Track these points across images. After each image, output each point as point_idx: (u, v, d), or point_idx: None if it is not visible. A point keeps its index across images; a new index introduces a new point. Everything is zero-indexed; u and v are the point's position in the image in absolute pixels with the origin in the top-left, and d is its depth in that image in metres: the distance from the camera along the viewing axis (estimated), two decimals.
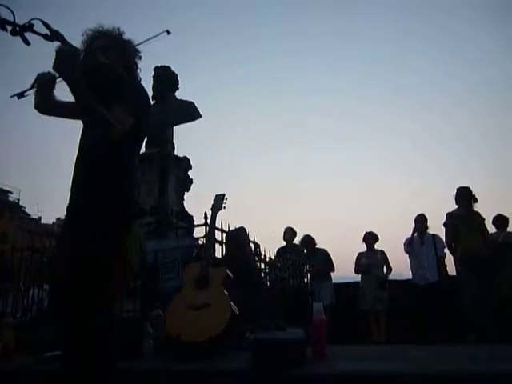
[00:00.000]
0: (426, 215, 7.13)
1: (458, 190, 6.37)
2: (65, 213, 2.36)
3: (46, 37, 2.16)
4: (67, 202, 2.37)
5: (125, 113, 2.28)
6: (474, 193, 6.37)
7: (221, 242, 4.96)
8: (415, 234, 7.06)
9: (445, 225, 6.41)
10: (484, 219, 6.32)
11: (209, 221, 4.42)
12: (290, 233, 7.50)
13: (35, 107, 2.45)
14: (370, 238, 7.37)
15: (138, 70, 2.70)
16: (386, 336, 6.97)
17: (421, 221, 7.06)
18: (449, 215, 6.39)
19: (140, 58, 2.69)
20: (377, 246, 7.44)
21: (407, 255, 7.12)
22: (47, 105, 2.46)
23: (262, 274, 5.70)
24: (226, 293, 3.75)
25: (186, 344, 3.45)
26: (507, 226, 6.72)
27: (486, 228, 6.33)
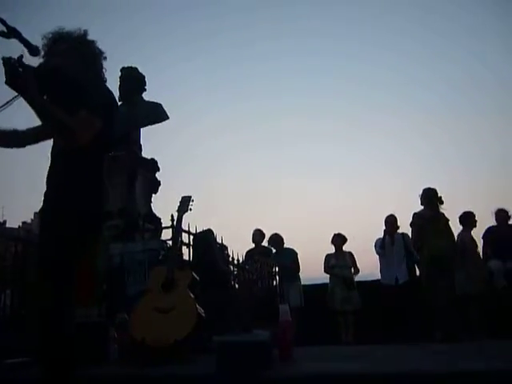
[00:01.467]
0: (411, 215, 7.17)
1: (424, 191, 6.51)
2: (31, 216, 2.39)
3: (2, 34, 2.10)
4: (41, 206, 2.36)
5: (90, 116, 2.23)
6: (440, 194, 6.51)
7: (188, 245, 4.93)
8: (386, 235, 7.17)
9: (411, 225, 6.54)
10: (449, 220, 6.47)
11: (175, 223, 4.39)
12: (258, 235, 7.50)
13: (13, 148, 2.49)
14: (339, 240, 7.42)
15: (104, 71, 2.65)
16: (355, 337, 7.02)
17: (391, 222, 7.15)
18: (416, 216, 6.52)
19: (105, 58, 2.64)
20: (345, 247, 7.50)
21: (378, 256, 7.20)
22: (22, 141, 2.51)
23: (230, 277, 5.68)
24: (192, 296, 3.73)
25: (151, 348, 3.42)
26: (474, 222, 6.83)
27: (450, 229, 6.48)
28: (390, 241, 7.09)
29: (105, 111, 2.35)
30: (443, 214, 6.50)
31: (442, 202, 6.47)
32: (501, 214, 6.93)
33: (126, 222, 5.68)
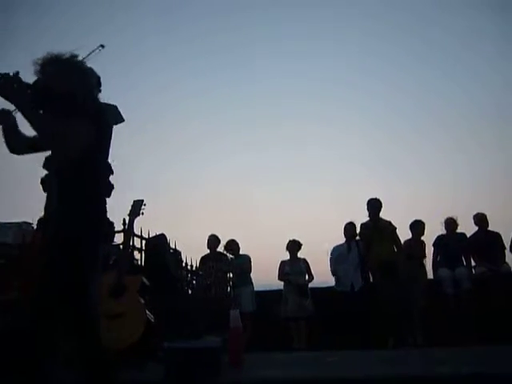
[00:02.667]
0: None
1: (368, 201, 6.75)
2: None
3: None
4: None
5: (83, 126, 2.31)
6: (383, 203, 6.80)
7: (140, 249, 4.86)
8: (343, 242, 7.29)
9: (359, 235, 6.78)
10: (396, 228, 6.66)
11: (126, 227, 4.32)
12: (213, 240, 7.45)
13: (12, 152, 2.52)
14: (293, 246, 7.45)
15: (97, 90, 2.69)
16: (308, 343, 7.05)
17: (349, 229, 7.27)
18: (362, 226, 6.77)
19: (98, 80, 2.70)
20: (300, 254, 7.53)
21: (335, 262, 7.30)
22: (23, 144, 2.53)
23: (183, 282, 5.62)
24: (142, 301, 3.67)
25: None
26: (422, 230, 7.01)
27: (397, 236, 6.70)
28: (347, 248, 7.20)
29: (94, 122, 2.39)
30: (390, 222, 6.75)
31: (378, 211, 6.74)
32: (449, 223, 7.14)
33: None
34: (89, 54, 2.81)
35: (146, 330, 3.48)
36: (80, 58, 2.66)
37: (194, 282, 6.06)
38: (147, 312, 3.59)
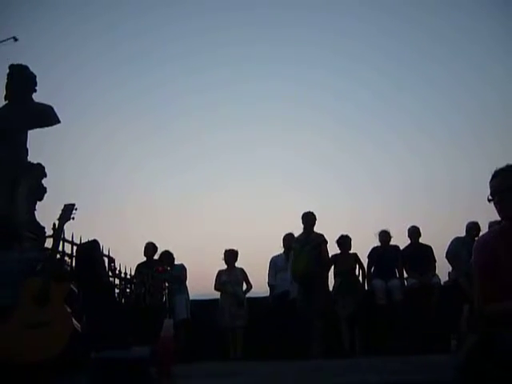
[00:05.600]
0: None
1: (303, 214, 6.86)
2: None
3: None
4: None
5: None
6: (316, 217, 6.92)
7: (71, 255, 4.69)
8: (281, 252, 7.35)
9: (292, 249, 6.90)
10: (326, 241, 6.81)
11: (56, 232, 4.15)
12: (151, 248, 7.31)
13: None
14: (230, 256, 7.43)
15: None
16: (244, 353, 7.03)
17: (287, 239, 7.34)
18: (295, 238, 7.02)
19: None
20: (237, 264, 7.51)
21: (273, 272, 7.33)
22: None
23: (116, 290, 5.47)
24: (69, 310, 3.51)
25: (18, 367, 3.16)
26: (349, 244, 7.17)
27: (324, 249, 6.83)
28: (285, 258, 7.27)
29: None
30: (321, 235, 6.86)
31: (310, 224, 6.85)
32: (383, 235, 7.33)
33: (5, 230, 5.29)
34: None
35: (71, 340, 3.32)
36: None
37: (128, 290, 5.90)
38: (74, 321, 3.43)
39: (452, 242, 7.05)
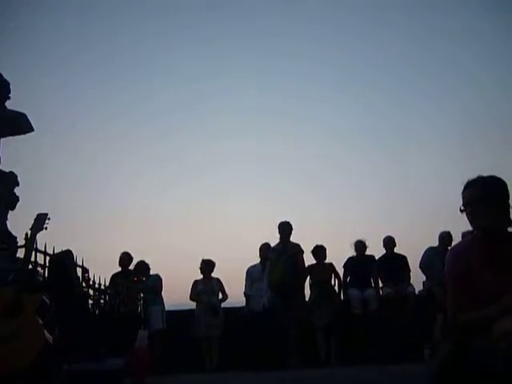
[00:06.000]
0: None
1: (279, 224, 6.89)
2: None
3: None
4: None
5: None
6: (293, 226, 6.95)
7: (43, 266, 4.60)
8: (258, 262, 7.34)
9: (268, 259, 6.90)
10: (302, 251, 6.82)
11: (28, 242, 4.07)
12: (126, 258, 7.23)
13: None
14: (207, 266, 7.39)
15: None
16: (219, 363, 6.98)
17: (263, 249, 7.34)
18: (271, 248, 7.03)
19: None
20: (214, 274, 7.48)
21: (249, 282, 7.31)
22: None
23: (90, 301, 5.38)
24: (41, 321, 3.44)
25: None
26: (324, 254, 7.21)
27: (300, 259, 6.87)
28: (261, 268, 7.26)
29: None
30: (297, 245, 6.89)
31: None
32: (359, 245, 7.39)
33: None
34: None
35: (42, 352, 3.26)
36: None
37: (102, 300, 5.82)
38: (45, 333, 3.36)
39: (425, 252, 7.14)
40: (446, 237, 7.07)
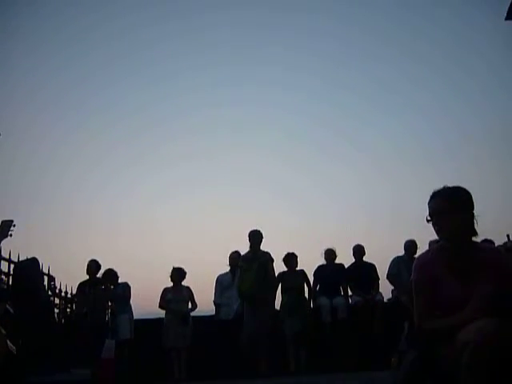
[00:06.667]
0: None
1: (249, 233, 6.90)
2: None
3: None
4: None
5: None
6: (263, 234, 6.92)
7: (7, 274, 4.49)
8: (228, 270, 7.32)
9: (238, 267, 6.89)
10: (272, 260, 6.85)
11: None
12: (94, 266, 7.11)
13: None
14: (177, 274, 7.32)
15: None
16: (188, 373, 6.91)
17: (233, 257, 7.33)
18: (242, 257, 6.99)
19: None
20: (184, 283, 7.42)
21: (220, 290, 7.28)
22: None
23: (56, 310, 5.28)
24: (4, 331, 3.36)
25: None
26: (295, 262, 7.23)
27: (270, 267, 6.85)
28: (231, 276, 7.24)
29: None
30: (266, 253, 6.88)
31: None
32: (329, 254, 7.45)
33: None
34: None
35: (5, 363, 3.18)
36: None
37: (68, 309, 5.71)
38: (8, 343, 3.28)
39: (392, 262, 7.26)
40: (411, 245, 7.21)
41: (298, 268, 7.22)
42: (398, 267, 7.11)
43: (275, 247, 7.32)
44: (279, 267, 7.16)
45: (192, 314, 7.28)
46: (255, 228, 7.01)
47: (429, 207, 2.30)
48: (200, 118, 17.25)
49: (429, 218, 2.28)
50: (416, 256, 3.42)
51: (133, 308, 7.27)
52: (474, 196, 2.30)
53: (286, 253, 7.24)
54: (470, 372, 1.86)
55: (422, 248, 6.53)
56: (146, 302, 8.93)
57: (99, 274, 7.11)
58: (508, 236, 7.37)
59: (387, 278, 7.26)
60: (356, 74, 17.00)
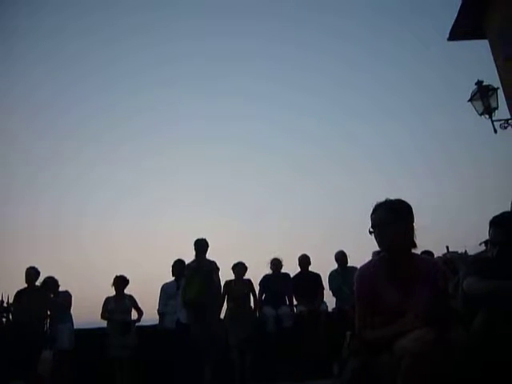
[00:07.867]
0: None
1: (195, 242, 6.89)
2: None
3: None
4: None
5: None
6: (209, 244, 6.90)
7: None
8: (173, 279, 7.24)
9: (183, 276, 6.85)
10: (217, 268, 6.83)
11: None
12: (32, 273, 6.85)
13: None
14: (119, 283, 7.17)
15: None
16: (131, 383, 6.76)
17: (176, 266, 7.29)
18: (187, 266, 6.90)
19: None
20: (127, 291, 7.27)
21: (164, 299, 7.18)
22: None
23: None
24: None
25: None
26: (243, 271, 7.28)
27: (215, 276, 6.80)
28: (176, 285, 7.16)
29: None
30: (212, 262, 6.82)
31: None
32: (275, 263, 7.50)
33: None
34: None
35: None
36: None
37: (4, 319, 5.47)
38: None
39: (330, 276, 7.50)
40: (339, 257, 7.53)
41: (245, 277, 7.25)
42: (336, 279, 7.38)
43: (223, 256, 7.31)
44: (228, 276, 7.17)
45: (137, 323, 7.16)
46: (201, 237, 6.96)
47: (371, 219, 2.36)
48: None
49: (371, 230, 2.35)
50: (356, 266, 3.51)
51: (73, 317, 7.07)
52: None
53: (235, 262, 7.26)
54: (407, 380, 1.92)
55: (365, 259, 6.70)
56: (89, 311, 8.69)
57: (38, 282, 6.86)
58: (447, 247, 7.67)
59: (330, 290, 7.43)
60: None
